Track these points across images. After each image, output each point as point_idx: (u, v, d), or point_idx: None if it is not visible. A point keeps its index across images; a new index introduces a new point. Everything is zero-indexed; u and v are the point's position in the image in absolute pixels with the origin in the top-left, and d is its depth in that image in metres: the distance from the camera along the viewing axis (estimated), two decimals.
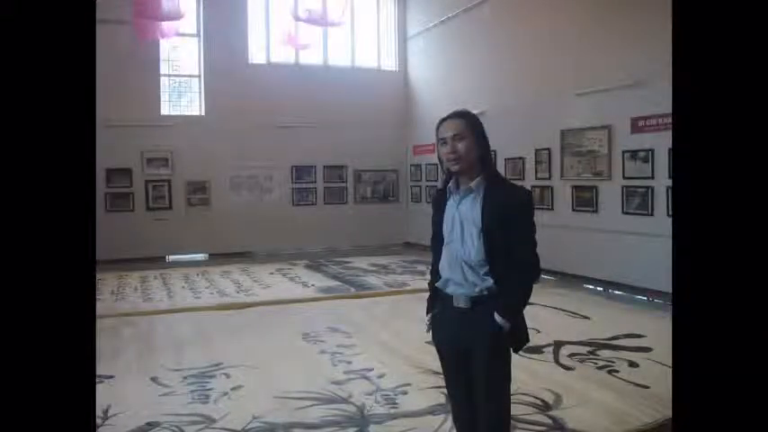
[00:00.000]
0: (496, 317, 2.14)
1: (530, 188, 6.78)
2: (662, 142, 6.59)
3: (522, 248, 2.15)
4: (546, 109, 8.43)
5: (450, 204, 2.25)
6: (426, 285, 2.48)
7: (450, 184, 2.26)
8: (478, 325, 2.18)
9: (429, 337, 2.43)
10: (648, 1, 6.53)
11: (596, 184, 7.64)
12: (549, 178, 8.42)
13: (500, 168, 8.56)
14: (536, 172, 8.62)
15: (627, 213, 7.16)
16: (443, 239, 2.28)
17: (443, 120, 2.25)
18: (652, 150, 6.79)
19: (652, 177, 6.81)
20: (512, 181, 2.41)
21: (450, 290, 2.25)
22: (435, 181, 10.92)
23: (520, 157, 8.91)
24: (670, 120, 6.07)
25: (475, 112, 2.44)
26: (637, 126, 7.02)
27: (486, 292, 2.17)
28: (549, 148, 8.38)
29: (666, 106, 6.18)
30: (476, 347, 2.20)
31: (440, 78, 11.20)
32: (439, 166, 2.63)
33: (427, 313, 2.39)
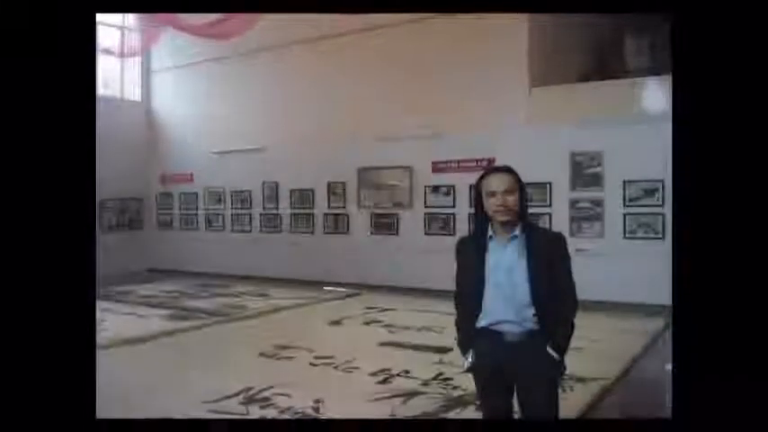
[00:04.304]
0: (549, 350, 2.32)
1: (323, 215, 9.14)
2: (462, 181, 7.64)
3: (566, 286, 2.38)
4: (343, 150, 9.02)
5: (495, 249, 2.40)
6: None
7: (490, 232, 2.41)
8: (530, 360, 2.33)
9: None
10: (443, 66, 7.99)
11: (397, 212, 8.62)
12: (345, 207, 9.13)
13: (285, 198, 9.74)
14: (329, 202, 9.30)
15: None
16: (481, 284, 2.40)
17: (490, 173, 2.42)
18: (453, 186, 8.03)
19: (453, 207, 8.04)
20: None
21: (499, 328, 2.39)
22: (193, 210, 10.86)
23: (310, 189, 9.51)
24: (467, 164, 7.87)
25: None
26: (437, 168, 8.33)
27: (536, 328, 2.34)
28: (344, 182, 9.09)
29: (462, 153, 8.00)
30: (528, 381, 2.35)
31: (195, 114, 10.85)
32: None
33: (463, 354, 2.49)
